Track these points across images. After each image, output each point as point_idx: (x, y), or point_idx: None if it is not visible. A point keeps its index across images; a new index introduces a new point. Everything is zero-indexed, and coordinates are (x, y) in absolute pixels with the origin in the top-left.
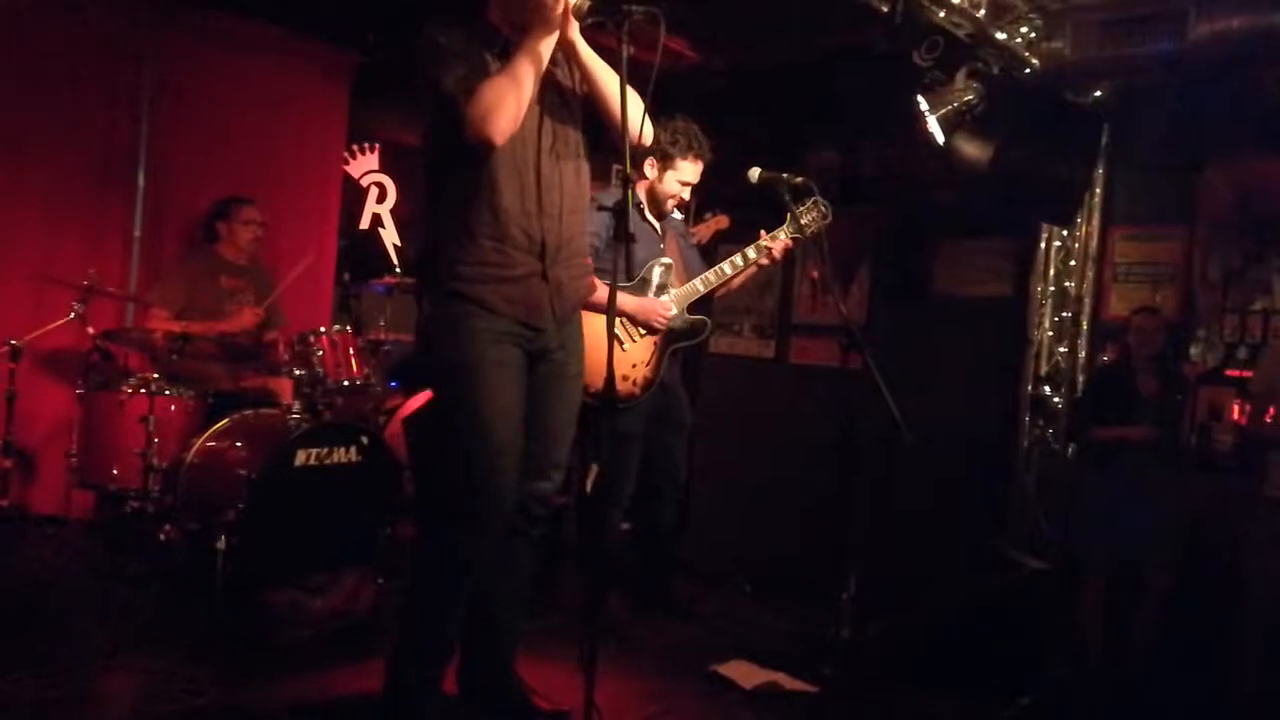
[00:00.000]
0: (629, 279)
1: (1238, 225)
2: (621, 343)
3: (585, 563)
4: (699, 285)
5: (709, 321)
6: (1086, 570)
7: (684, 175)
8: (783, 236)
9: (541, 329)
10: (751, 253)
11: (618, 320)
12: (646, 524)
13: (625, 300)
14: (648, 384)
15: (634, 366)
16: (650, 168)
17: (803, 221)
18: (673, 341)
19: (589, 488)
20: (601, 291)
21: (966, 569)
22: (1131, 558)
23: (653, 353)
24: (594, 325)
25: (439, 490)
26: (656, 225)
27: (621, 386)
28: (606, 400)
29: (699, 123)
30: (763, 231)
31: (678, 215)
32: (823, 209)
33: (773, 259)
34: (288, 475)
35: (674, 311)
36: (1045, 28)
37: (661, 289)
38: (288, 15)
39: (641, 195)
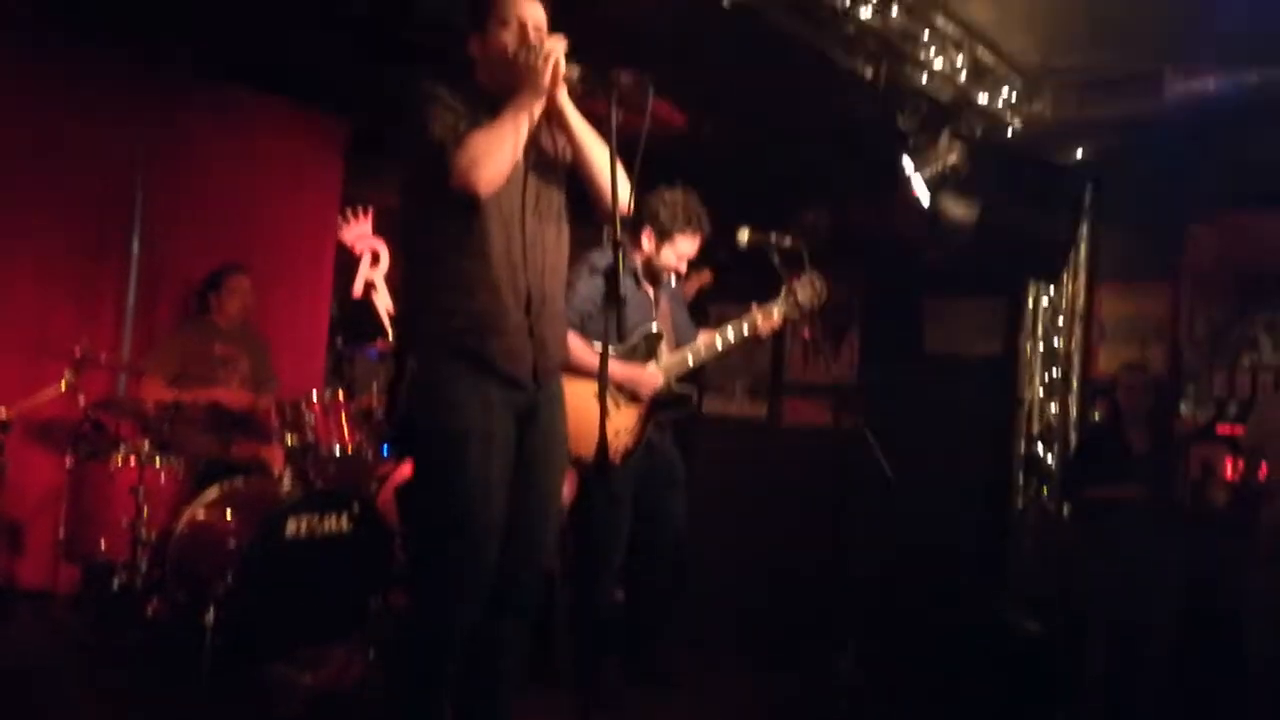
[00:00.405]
0: (619, 341)
1: (1222, 280)
2: (606, 410)
3: (577, 630)
4: (689, 359)
5: (694, 394)
6: (1086, 628)
7: (682, 249)
8: (776, 315)
9: (527, 388)
10: (745, 329)
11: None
12: (640, 590)
13: (613, 368)
14: (627, 453)
15: (616, 434)
16: (647, 240)
17: (799, 298)
18: (657, 411)
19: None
20: (588, 356)
21: (965, 631)
22: (1130, 615)
23: (636, 421)
24: (575, 391)
25: (425, 562)
26: (650, 293)
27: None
28: (598, 466)
29: (691, 186)
30: (754, 304)
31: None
32: (817, 285)
33: (756, 335)
34: (278, 546)
35: (661, 382)
36: (1025, 90)
37: (650, 357)
38: (282, 83)
39: (637, 263)
